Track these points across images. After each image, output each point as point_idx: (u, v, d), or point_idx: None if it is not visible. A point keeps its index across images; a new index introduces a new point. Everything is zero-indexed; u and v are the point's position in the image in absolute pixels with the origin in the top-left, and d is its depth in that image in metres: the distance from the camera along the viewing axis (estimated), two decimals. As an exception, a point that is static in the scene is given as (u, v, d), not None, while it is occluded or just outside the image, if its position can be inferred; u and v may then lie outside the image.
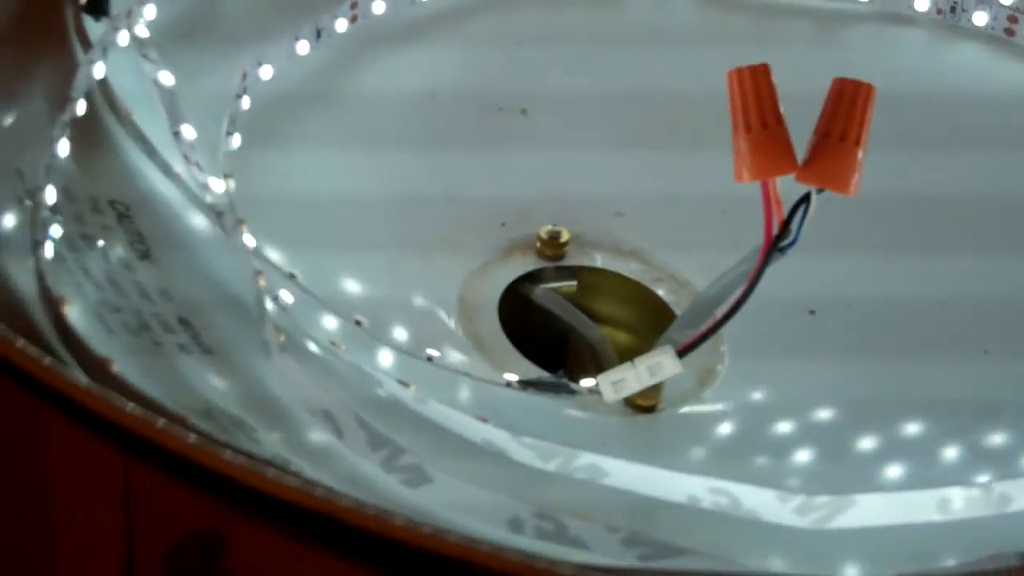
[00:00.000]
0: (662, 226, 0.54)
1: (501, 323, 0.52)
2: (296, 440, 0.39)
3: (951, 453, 0.44)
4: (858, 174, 0.41)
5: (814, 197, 0.42)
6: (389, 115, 0.57)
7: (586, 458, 0.39)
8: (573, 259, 0.55)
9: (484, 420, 0.41)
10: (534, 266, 0.54)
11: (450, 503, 0.37)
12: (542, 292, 0.54)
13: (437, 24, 0.61)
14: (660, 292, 0.54)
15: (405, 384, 0.41)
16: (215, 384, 0.40)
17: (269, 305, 0.44)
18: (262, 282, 0.42)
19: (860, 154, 0.41)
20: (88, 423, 0.32)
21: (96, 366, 0.39)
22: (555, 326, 0.54)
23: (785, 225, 0.42)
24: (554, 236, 0.54)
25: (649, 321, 0.55)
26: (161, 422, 0.29)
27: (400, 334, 0.48)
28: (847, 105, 0.41)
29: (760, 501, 0.38)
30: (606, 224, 0.55)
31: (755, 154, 0.41)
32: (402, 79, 0.58)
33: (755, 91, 0.42)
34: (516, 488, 0.38)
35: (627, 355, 0.54)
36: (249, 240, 0.45)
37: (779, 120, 0.41)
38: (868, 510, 0.38)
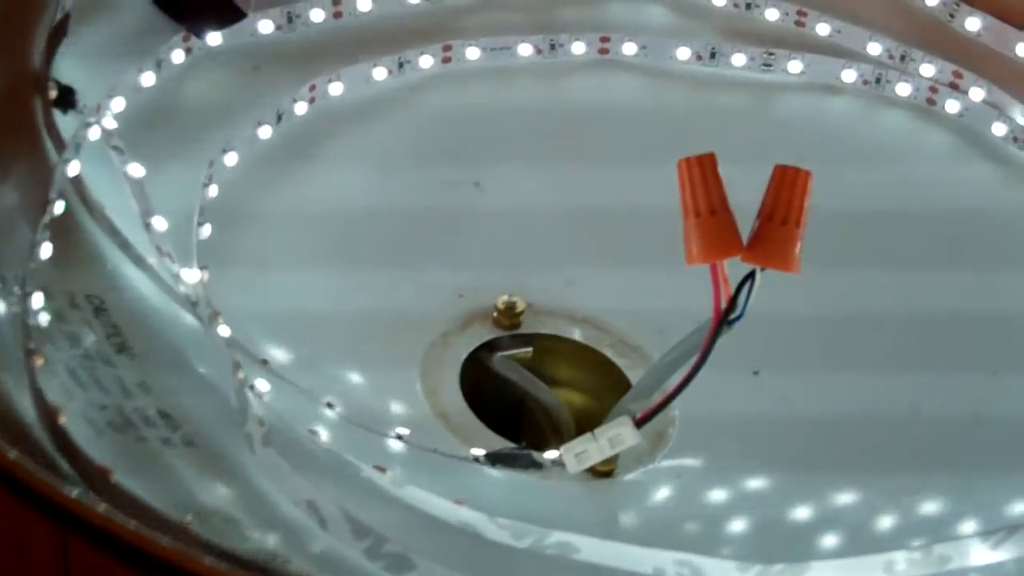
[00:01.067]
0: (612, 293, 0.57)
1: (463, 394, 0.54)
2: (284, 533, 0.40)
3: (887, 519, 0.47)
4: (798, 253, 0.45)
5: (758, 275, 0.46)
6: (349, 193, 0.59)
7: (557, 536, 0.41)
8: (529, 327, 0.57)
9: (460, 503, 0.43)
10: (491, 335, 0.56)
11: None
12: (500, 360, 0.56)
13: (392, 102, 0.63)
14: (611, 355, 0.56)
15: (382, 469, 0.43)
16: (201, 481, 0.41)
17: (248, 392, 0.45)
18: (241, 374, 0.44)
19: (800, 235, 0.45)
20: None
21: (97, 476, 0.40)
22: (512, 392, 0.57)
23: (732, 301, 0.46)
24: (510, 306, 0.56)
25: (603, 383, 0.58)
26: (165, 540, 0.30)
27: (368, 413, 0.49)
28: (787, 190, 0.44)
29: (721, 571, 0.41)
30: (560, 292, 0.57)
31: (703, 239, 0.44)
32: (361, 158, 0.60)
33: (703, 179, 0.45)
34: (492, 568, 0.41)
35: (583, 417, 0.58)
36: (224, 330, 0.47)
37: (725, 207, 0.44)
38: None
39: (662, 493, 0.50)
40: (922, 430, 0.53)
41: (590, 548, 0.41)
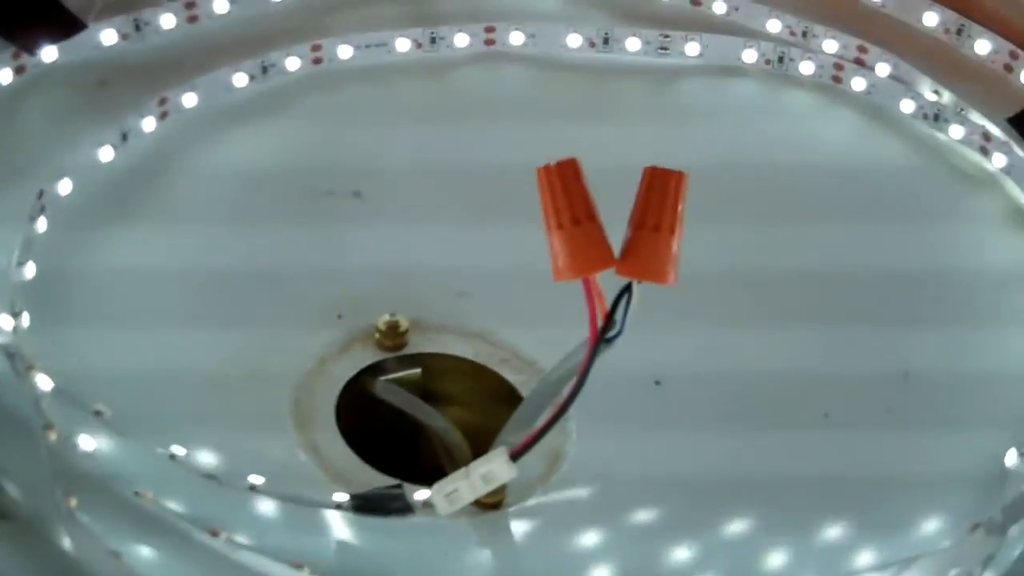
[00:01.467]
0: (505, 304, 0.53)
1: (340, 425, 0.50)
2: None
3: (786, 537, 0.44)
4: (674, 262, 0.41)
5: (636, 288, 0.42)
6: (209, 213, 0.54)
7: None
8: (416, 346, 0.53)
9: (299, 566, 0.39)
10: (374, 358, 0.52)
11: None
12: (383, 386, 0.52)
13: (257, 109, 0.59)
14: (505, 373, 0.52)
15: (215, 533, 0.39)
16: (11, 558, 0.37)
17: (70, 450, 0.41)
18: (52, 436, 0.40)
19: (675, 242, 0.41)
20: None
21: None
22: (402, 419, 0.53)
23: (609, 317, 0.42)
24: (393, 326, 0.53)
25: (497, 401, 0.54)
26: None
27: (228, 455, 0.45)
28: (659, 195, 0.41)
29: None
30: (449, 307, 0.53)
31: (570, 252, 0.40)
32: (222, 174, 0.56)
33: (564, 188, 0.41)
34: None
35: (479, 438, 0.53)
36: (44, 382, 0.43)
37: (591, 215, 0.41)
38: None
39: (554, 520, 0.46)
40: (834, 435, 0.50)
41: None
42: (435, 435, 0.52)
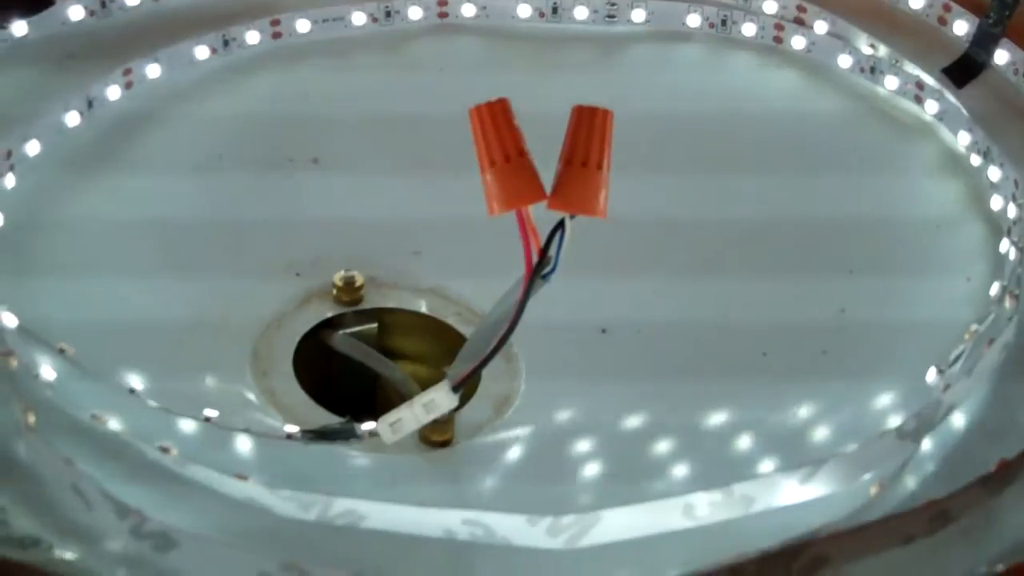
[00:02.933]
0: (456, 261, 0.55)
1: (297, 374, 0.52)
2: (49, 518, 0.38)
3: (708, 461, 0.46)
4: (603, 195, 0.42)
5: (568, 223, 0.43)
6: (173, 179, 0.56)
7: (343, 503, 0.39)
8: (372, 302, 0.55)
9: (243, 477, 0.41)
10: (331, 313, 0.55)
11: (196, 564, 0.37)
12: (341, 338, 0.54)
13: (218, 82, 0.61)
14: (459, 326, 0.54)
15: (165, 449, 0.41)
16: None
17: (32, 380, 0.43)
18: (13, 363, 0.42)
19: (603, 176, 0.42)
20: None
21: None
22: (361, 372, 0.55)
23: (543, 253, 0.44)
24: (349, 282, 0.55)
25: (451, 355, 0.54)
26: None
27: (189, 398, 0.47)
28: (586, 131, 0.42)
29: (511, 527, 0.39)
30: (403, 265, 0.55)
31: (501, 187, 0.42)
32: (185, 141, 0.58)
33: (494, 127, 0.43)
34: (272, 542, 0.38)
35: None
36: (10, 320, 0.45)
37: (521, 152, 0.42)
38: (616, 524, 0.39)
39: (500, 457, 0.48)
40: (771, 368, 0.51)
41: (377, 514, 0.39)
42: (393, 387, 0.54)
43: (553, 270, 0.44)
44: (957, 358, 0.46)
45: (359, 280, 0.54)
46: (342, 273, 0.54)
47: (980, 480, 0.36)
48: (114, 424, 0.43)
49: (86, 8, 0.61)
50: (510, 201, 0.43)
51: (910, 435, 0.41)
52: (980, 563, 0.34)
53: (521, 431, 0.49)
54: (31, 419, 0.39)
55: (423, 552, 0.40)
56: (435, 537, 0.39)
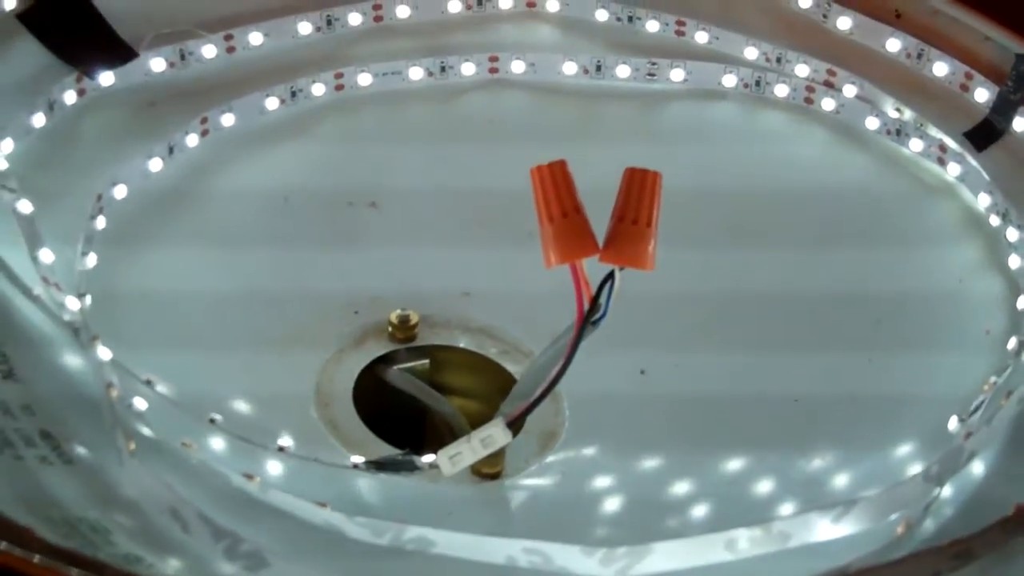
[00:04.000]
0: (506, 303, 0.59)
1: (356, 407, 0.56)
2: (149, 538, 0.42)
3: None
4: (652, 250, 0.46)
5: (617, 274, 0.47)
6: (244, 219, 0.61)
7: (414, 531, 0.43)
8: (425, 339, 0.59)
9: (323, 505, 0.44)
10: (387, 349, 0.58)
11: (286, 584, 0.41)
12: (395, 373, 0.58)
13: (286, 130, 0.65)
14: (506, 364, 0.58)
15: (250, 476, 0.45)
16: (74, 493, 0.43)
17: (126, 411, 0.47)
18: (114, 393, 0.46)
19: (652, 233, 0.46)
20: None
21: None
22: (412, 405, 0.59)
23: (594, 301, 0.47)
24: (404, 320, 0.59)
25: (498, 391, 0.59)
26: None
27: (259, 427, 0.51)
28: (637, 191, 0.46)
29: (567, 556, 0.42)
30: (454, 305, 0.59)
31: (558, 241, 0.46)
32: (255, 185, 0.62)
33: (554, 185, 0.47)
34: (351, 565, 0.42)
35: (481, 422, 0.58)
36: (104, 353, 0.49)
37: (577, 209, 0.46)
38: (665, 555, 0.42)
39: (547, 489, 0.52)
40: (800, 408, 0.54)
41: (445, 541, 0.43)
42: (442, 419, 0.58)
43: (603, 316, 0.48)
44: (977, 408, 0.50)
45: (413, 319, 0.58)
46: (398, 312, 0.58)
47: (1000, 522, 0.39)
48: (199, 452, 0.46)
49: (167, 60, 0.65)
50: (566, 254, 0.46)
51: (934, 479, 0.45)
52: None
53: (566, 464, 0.53)
54: (131, 446, 0.43)
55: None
56: (497, 564, 0.42)
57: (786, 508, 0.48)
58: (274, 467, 0.49)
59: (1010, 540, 0.39)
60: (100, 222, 0.56)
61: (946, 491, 0.47)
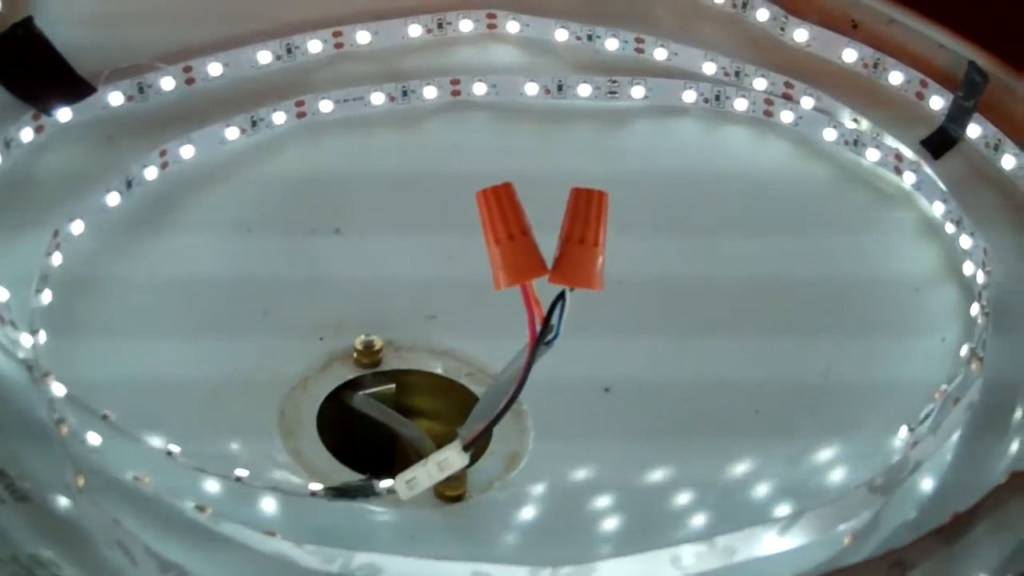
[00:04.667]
0: (470, 326, 0.59)
1: (322, 434, 0.56)
2: (99, 572, 0.42)
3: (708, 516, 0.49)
4: (600, 270, 0.46)
5: (568, 295, 0.47)
6: (205, 250, 0.61)
7: (363, 557, 0.43)
8: (390, 364, 0.59)
9: (271, 534, 0.45)
10: (353, 375, 0.59)
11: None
12: (361, 399, 0.58)
13: (247, 160, 0.65)
14: (472, 386, 0.58)
15: (202, 508, 0.45)
16: (24, 530, 0.43)
17: (79, 446, 0.47)
18: (64, 430, 0.46)
19: (600, 253, 0.46)
20: None
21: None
22: (380, 430, 0.59)
23: (546, 322, 0.48)
24: (368, 345, 0.59)
25: (465, 413, 0.58)
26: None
27: (221, 458, 0.52)
28: (583, 211, 0.46)
29: (513, 577, 0.43)
30: (419, 328, 0.59)
31: (505, 263, 0.46)
32: (216, 215, 0.63)
33: (500, 208, 0.47)
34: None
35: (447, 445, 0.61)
36: (58, 389, 0.49)
37: (524, 231, 0.46)
38: (610, 573, 0.43)
39: (510, 510, 0.52)
40: (761, 427, 0.55)
41: (393, 567, 0.43)
42: (409, 444, 0.58)
43: (556, 337, 0.48)
44: (926, 417, 0.50)
45: (378, 344, 0.59)
46: (362, 337, 0.58)
47: (934, 531, 0.39)
48: (153, 485, 0.47)
49: (125, 94, 0.65)
50: (514, 276, 0.47)
51: (879, 490, 0.45)
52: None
53: (530, 486, 0.53)
54: (80, 482, 0.43)
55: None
56: (443, 588, 0.43)
57: (739, 520, 0.47)
58: (230, 496, 0.49)
59: (946, 549, 0.39)
60: (56, 259, 0.57)
61: (895, 500, 0.47)
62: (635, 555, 0.42)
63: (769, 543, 0.43)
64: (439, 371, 0.58)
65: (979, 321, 0.55)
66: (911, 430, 0.50)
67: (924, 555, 0.38)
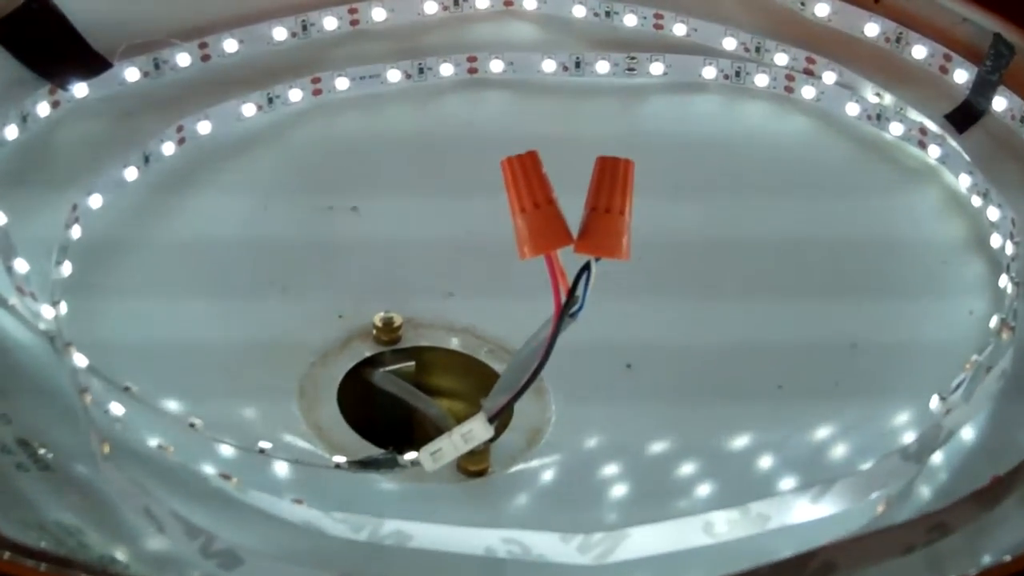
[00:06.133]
0: (490, 302, 0.58)
1: (341, 409, 0.56)
2: (123, 538, 0.42)
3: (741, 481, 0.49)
4: (626, 240, 0.46)
5: (593, 265, 0.47)
6: (223, 226, 0.60)
7: (392, 525, 0.43)
8: (410, 341, 0.59)
9: (299, 502, 0.44)
10: (372, 352, 0.58)
11: (261, 580, 0.40)
12: (380, 376, 0.58)
13: (263, 136, 0.65)
14: (492, 363, 0.58)
15: (227, 477, 0.45)
16: (49, 497, 0.43)
17: (102, 416, 0.47)
18: (88, 399, 0.46)
19: (626, 222, 0.46)
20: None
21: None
22: (399, 407, 0.58)
23: (571, 293, 0.47)
24: (388, 322, 0.58)
25: (485, 390, 0.57)
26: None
27: (243, 431, 0.51)
28: (609, 180, 0.46)
29: (546, 545, 0.42)
30: (439, 305, 0.59)
31: (531, 232, 0.46)
32: (233, 192, 0.62)
33: (525, 176, 0.46)
34: (328, 559, 0.42)
35: None
36: (80, 359, 0.49)
37: (550, 200, 0.46)
38: (642, 540, 0.42)
39: (533, 485, 0.51)
40: (787, 399, 0.54)
41: (423, 534, 0.42)
42: (430, 422, 0.58)
43: (580, 308, 0.47)
44: (958, 386, 0.49)
45: (398, 320, 0.58)
46: (382, 314, 0.58)
47: (973, 494, 0.39)
48: (178, 454, 0.46)
49: (141, 70, 0.65)
50: (539, 246, 0.46)
51: (913, 456, 0.44)
52: (974, 571, 0.37)
53: (552, 459, 0.53)
54: (106, 448, 0.43)
55: (463, 570, 0.43)
56: (476, 555, 0.42)
57: (769, 488, 0.48)
58: (253, 468, 0.48)
59: (985, 513, 0.38)
60: (76, 231, 0.56)
61: (929, 467, 0.47)
62: (666, 522, 0.41)
63: (802, 510, 0.43)
64: (459, 348, 0.58)
65: (1008, 292, 0.55)
66: (943, 399, 0.50)
67: (964, 518, 0.38)
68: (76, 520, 0.42)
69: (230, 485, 0.44)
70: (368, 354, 0.57)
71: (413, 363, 0.58)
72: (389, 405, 0.58)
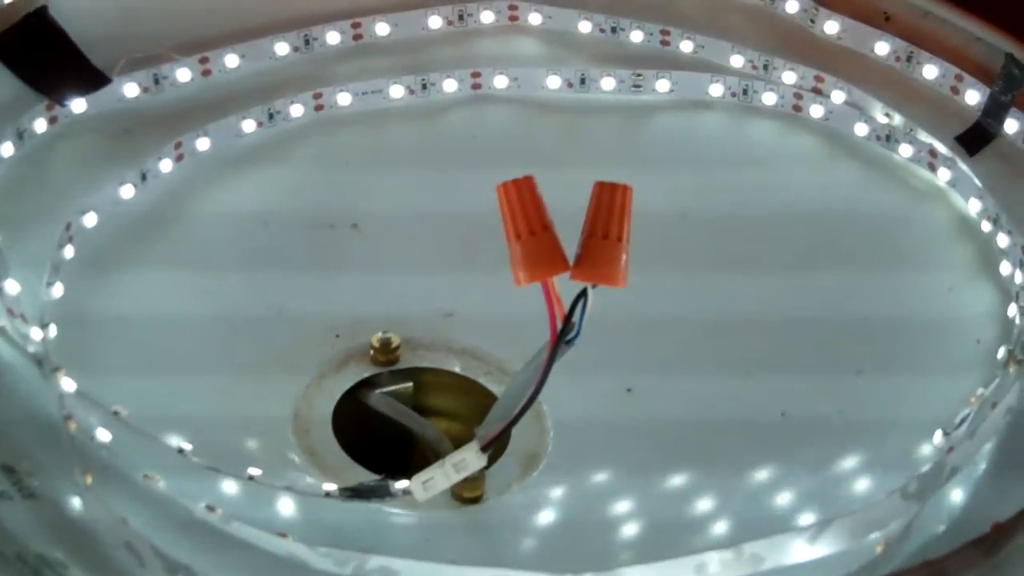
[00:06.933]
0: (489, 324, 0.58)
1: (337, 433, 0.55)
2: (106, 572, 0.41)
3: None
4: (623, 266, 0.45)
5: (590, 292, 0.46)
6: (220, 244, 0.60)
7: (377, 560, 0.42)
8: (407, 362, 0.58)
9: (283, 535, 0.44)
10: (369, 373, 0.57)
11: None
12: (377, 398, 0.57)
13: (264, 152, 0.64)
14: (490, 385, 0.57)
15: (212, 508, 0.44)
16: (31, 528, 0.42)
17: (89, 442, 0.46)
18: (72, 426, 0.45)
19: (624, 248, 0.45)
20: None
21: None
22: (397, 429, 0.58)
23: (567, 320, 0.46)
24: (386, 342, 0.58)
25: (483, 412, 0.56)
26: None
27: (234, 456, 0.51)
28: (607, 205, 0.45)
29: (534, 584, 0.42)
30: (437, 326, 0.58)
31: (526, 259, 0.45)
32: (232, 209, 0.62)
33: (520, 202, 0.45)
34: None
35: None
36: (68, 384, 0.48)
37: (545, 226, 0.45)
38: (632, 582, 0.41)
39: (528, 513, 0.51)
40: (789, 430, 0.53)
41: (408, 571, 0.42)
42: (427, 444, 0.57)
43: (577, 335, 0.46)
44: (962, 421, 0.48)
45: (395, 341, 0.57)
46: (379, 334, 0.57)
47: (974, 541, 0.37)
48: (163, 484, 0.46)
49: (140, 85, 0.65)
50: (535, 272, 0.45)
51: (914, 496, 0.43)
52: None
53: (548, 488, 0.52)
54: (88, 480, 0.42)
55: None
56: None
57: (769, 526, 0.46)
58: (242, 496, 0.47)
59: (986, 560, 0.37)
60: (68, 251, 0.56)
61: (930, 507, 0.45)
62: (659, 562, 0.41)
63: (798, 551, 0.42)
64: (457, 370, 0.57)
65: (1017, 322, 0.54)
66: (946, 435, 0.49)
67: (964, 566, 0.37)
68: (59, 554, 0.41)
69: (214, 516, 0.44)
70: (365, 375, 0.57)
71: (411, 384, 0.58)
72: (386, 428, 0.57)
